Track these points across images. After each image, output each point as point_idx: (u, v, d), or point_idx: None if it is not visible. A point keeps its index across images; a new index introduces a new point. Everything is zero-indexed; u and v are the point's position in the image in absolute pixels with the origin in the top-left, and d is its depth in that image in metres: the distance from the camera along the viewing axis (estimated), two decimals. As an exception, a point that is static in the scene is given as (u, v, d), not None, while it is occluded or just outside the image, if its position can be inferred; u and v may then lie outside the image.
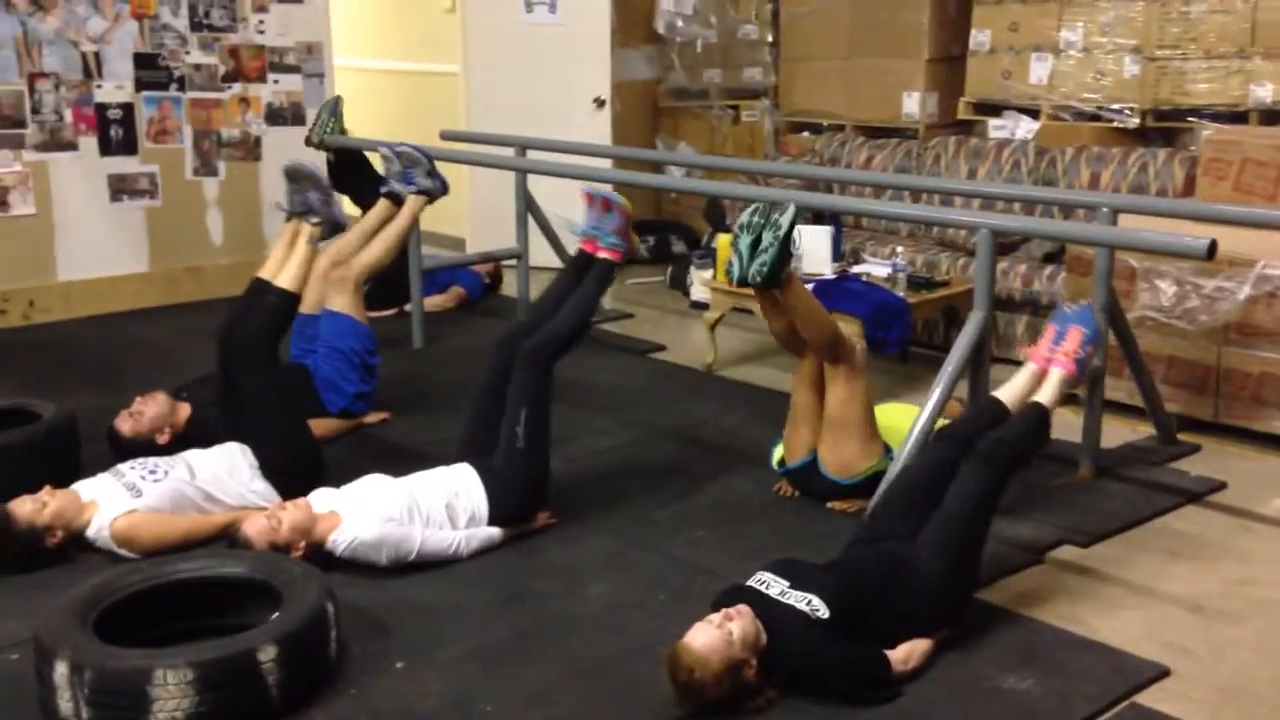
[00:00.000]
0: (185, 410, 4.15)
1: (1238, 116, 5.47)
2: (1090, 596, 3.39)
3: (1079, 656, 3.03)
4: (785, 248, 3.55)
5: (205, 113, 6.66)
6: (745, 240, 3.57)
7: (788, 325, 3.82)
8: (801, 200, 5.27)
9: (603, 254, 3.97)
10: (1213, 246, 3.29)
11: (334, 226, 4.30)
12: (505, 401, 3.71)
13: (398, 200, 4.91)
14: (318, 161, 4.79)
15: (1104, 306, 4.11)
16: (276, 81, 6.88)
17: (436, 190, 4.98)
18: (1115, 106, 5.85)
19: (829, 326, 3.80)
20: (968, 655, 3.01)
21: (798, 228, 3.65)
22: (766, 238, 3.55)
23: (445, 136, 6.35)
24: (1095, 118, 5.93)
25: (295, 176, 4.31)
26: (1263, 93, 5.37)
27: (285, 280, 4.06)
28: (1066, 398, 4.84)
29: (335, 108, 6.02)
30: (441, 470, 3.67)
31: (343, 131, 5.95)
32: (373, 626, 3.14)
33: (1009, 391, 3.59)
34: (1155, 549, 3.71)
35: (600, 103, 7.35)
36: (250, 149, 6.83)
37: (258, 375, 3.93)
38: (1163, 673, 2.96)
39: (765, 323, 5.81)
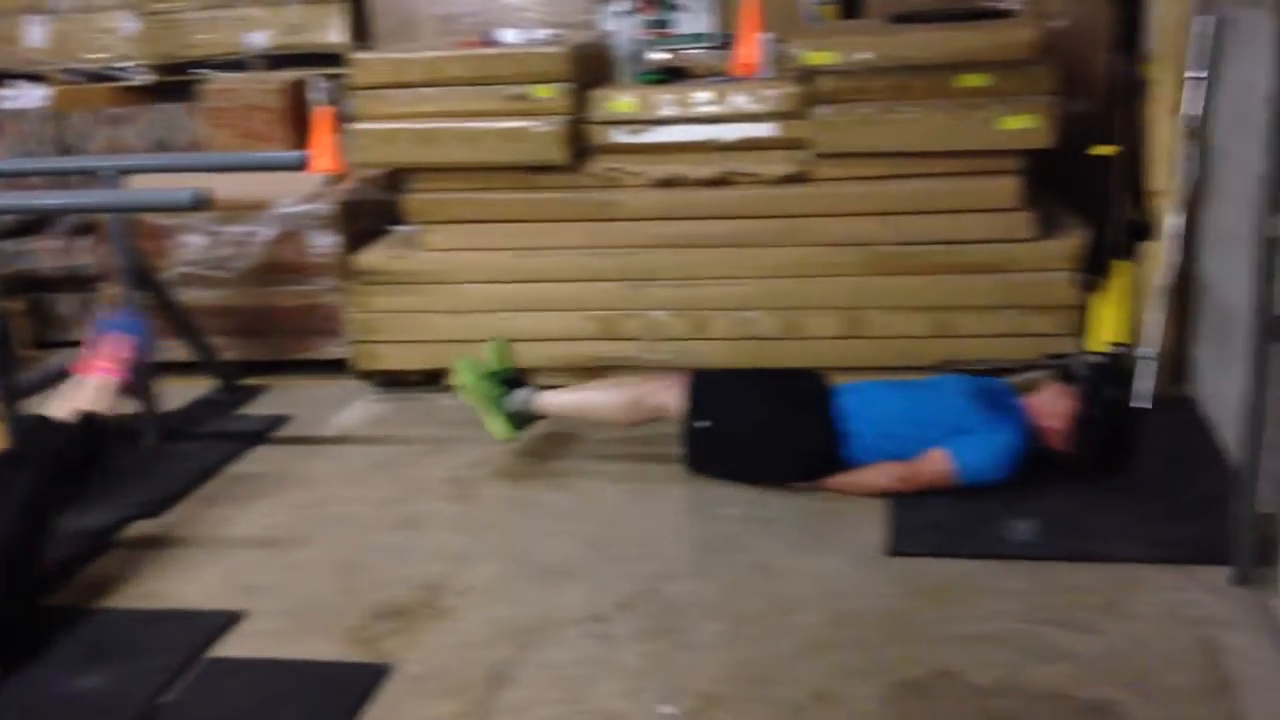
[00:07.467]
0: None
1: (242, 65, 5.61)
2: (167, 565, 3.33)
3: (154, 630, 2.96)
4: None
5: None
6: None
7: None
8: None
9: None
10: (199, 197, 3.33)
11: None
12: None
13: None
14: None
15: (131, 270, 4.03)
16: None
17: None
18: (124, 65, 5.71)
19: None
20: (36, 668, 2.80)
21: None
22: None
23: None
24: (107, 78, 5.74)
25: None
26: (258, 39, 5.56)
27: None
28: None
29: None
30: None
31: None
32: None
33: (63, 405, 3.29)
34: (228, 497, 3.76)
35: None
36: None
37: None
38: (233, 617, 3.00)
39: None
